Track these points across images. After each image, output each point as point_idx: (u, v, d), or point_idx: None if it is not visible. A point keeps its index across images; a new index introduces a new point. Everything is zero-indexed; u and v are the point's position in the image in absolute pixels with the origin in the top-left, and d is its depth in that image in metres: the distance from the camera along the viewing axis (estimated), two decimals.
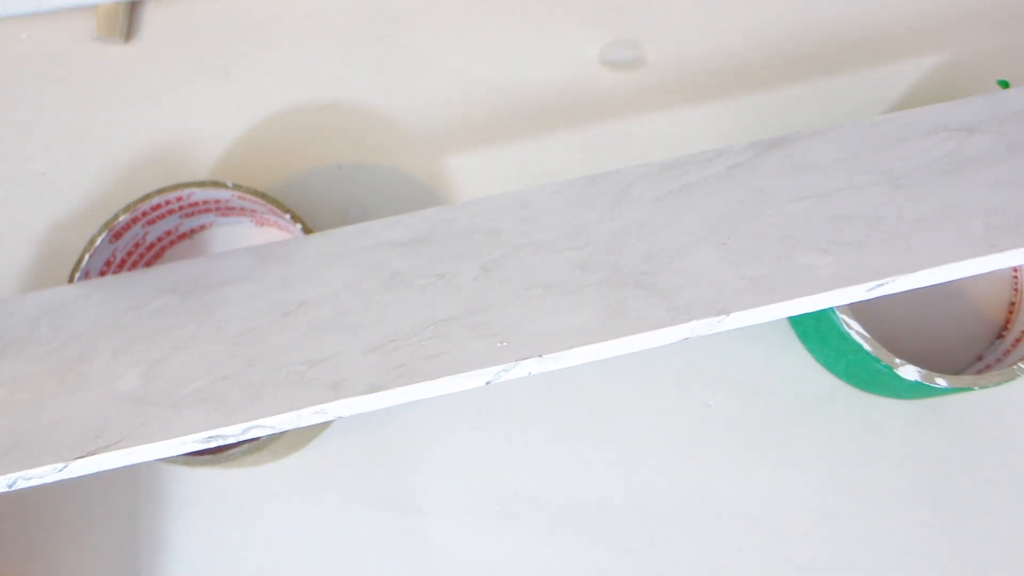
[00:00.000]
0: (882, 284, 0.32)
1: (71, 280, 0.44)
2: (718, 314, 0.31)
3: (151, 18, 0.53)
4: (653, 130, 0.51)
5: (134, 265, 0.47)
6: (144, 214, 0.45)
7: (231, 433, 0.32)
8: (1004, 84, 0.50)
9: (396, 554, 0.46)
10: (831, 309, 0.42)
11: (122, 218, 0.44)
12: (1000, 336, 0.47)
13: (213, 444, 0.32)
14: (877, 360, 0.41)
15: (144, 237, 0.47)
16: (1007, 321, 0.47)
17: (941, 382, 0.41)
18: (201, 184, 0.44)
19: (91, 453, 0.32)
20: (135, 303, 0.41)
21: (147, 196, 0.44)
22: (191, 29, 0.52)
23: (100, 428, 0.33)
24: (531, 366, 0.31)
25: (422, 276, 0.37)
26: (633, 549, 0.46)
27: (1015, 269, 0.47)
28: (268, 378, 0.34)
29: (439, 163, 0.51)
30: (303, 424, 0.32)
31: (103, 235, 0.44)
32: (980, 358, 0.47)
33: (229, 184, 0.44)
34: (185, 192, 0.45)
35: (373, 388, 0.31)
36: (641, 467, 0.47)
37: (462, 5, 0.53)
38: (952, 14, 0.52)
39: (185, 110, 0.51)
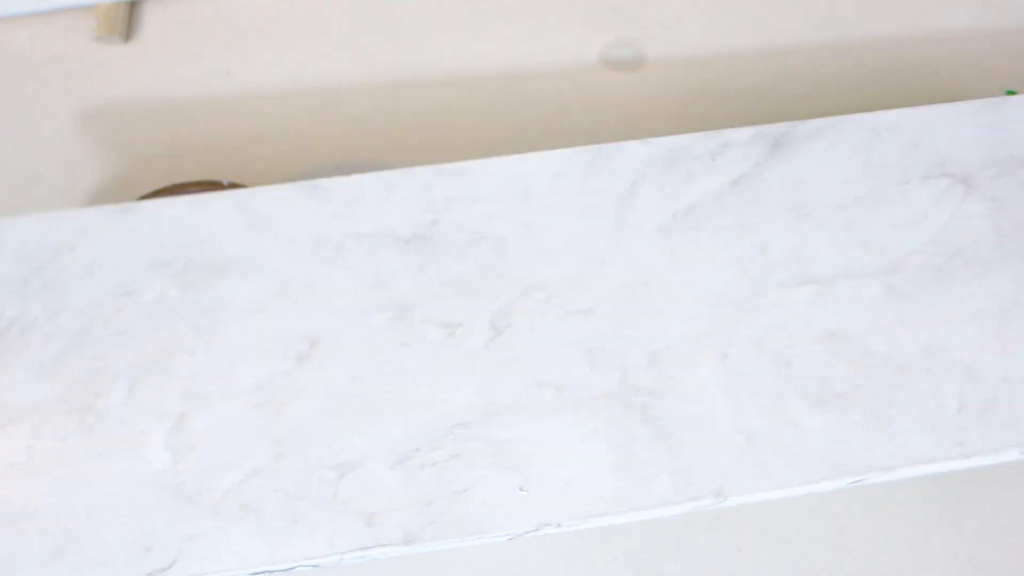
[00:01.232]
0: (859, 480, 0.38)
1: None
2: (716, 496, 0.38)
3: (151, 18, 0.53)
4: (653, 130, 0.51)
5: None
6: None
7: (278, 569, 0.37)
8: (1011, 93, 0.51)
9: None
10: None
11: None
12: None
13: None
14: None
15: None
16: None
17: None
18: (199, 184, 0.44)
19: None
20: (130, 288, 0.40)
21: (146, 196, 0.44)
22: (191, 29, 0.52)
23: (148, 537, 0.37)
24: (550, 530, 0.38)
25: (432, 323, 0.40)
26: (633, 549, 0.46)
27: None
28: (300, 486, 0.38)
29: (439, 163, 0.50)
30: (345, 563, 0.37)
31: None
32: None
33: (226, 183, 0.44)
34: (184, 191, 0.45)
35: (409, 540, 0.37)
36: None
37: (462, 5, 0.53)
38: (953, 17, 0.52)
39: (185, 110, 0.51)
